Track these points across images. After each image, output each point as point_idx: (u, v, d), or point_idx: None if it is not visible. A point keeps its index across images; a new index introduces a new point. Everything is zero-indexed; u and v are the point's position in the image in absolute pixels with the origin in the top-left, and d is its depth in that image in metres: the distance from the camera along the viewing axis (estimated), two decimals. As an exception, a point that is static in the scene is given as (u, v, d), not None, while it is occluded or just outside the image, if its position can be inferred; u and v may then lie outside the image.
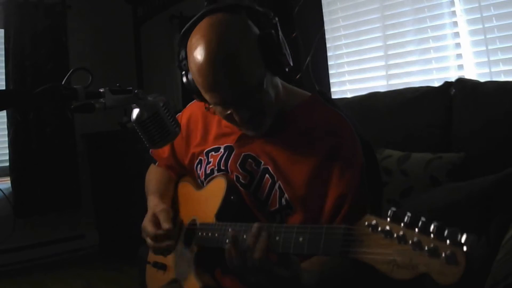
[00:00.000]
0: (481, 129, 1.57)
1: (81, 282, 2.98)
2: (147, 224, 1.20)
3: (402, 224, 0.70)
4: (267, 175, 1.11)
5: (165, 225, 1.16)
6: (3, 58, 3.29)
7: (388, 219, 0.72)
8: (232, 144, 1.17)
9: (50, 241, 3.43)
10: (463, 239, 0.64)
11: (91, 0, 3.67)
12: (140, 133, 1.02)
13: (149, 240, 1.19)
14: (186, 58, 1.05)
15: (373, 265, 0.72)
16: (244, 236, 0.95)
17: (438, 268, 0.65)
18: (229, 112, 1.03)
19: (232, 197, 1.12)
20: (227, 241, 0.96)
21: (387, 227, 0.71)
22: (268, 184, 1.10)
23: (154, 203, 1.27)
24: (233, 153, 1.17)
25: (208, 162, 1.22)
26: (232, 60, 0.97)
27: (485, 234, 1.17)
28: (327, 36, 2.50)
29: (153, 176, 1.41)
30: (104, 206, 3.57)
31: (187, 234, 1.22)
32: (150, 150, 1.40)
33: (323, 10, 2.51)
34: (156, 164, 1.43)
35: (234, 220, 1.05)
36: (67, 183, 3.47)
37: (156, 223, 1.19)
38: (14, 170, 3.29)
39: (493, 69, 1.93)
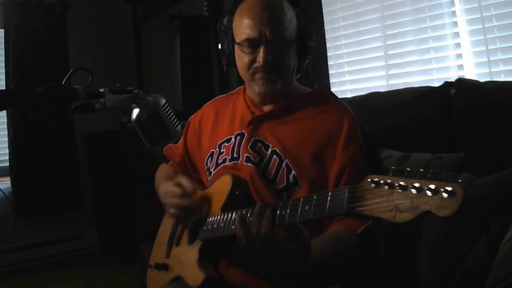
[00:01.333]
0: (481, 129, 1.57)
1: (81, 282, 2.98)
2: (171, 188, 1.23)
3: (403, 176, 0.74)
4: (274, 156, 1.20)
5: (190, 184, 1.21)
6: (3, 58, 3.29)
7: (390, 174, 0.76)
8: (243, 130, 1.26)
9: (50, 241, 3.43)
10: (459, 178, 0.68)
11: (91, 0, 3.67)
12: (140, 133, 1.02)
13: (175, 200, 1.21)
14: (229, 20, 1.25)
15: (377, 215, 0.75)
16: (251, 218, 0.99)
17: (438, 203, 0.68)
18: (257, 53, 1.17)
19: (237, 192, 1.17)
20: (232, 227, 1.02)
21: (389, 180, 0.75)
22: (276, 164, 1.19)
23: (166, 183, 1.29)
24: (244, 138, 1.24)
25: (221, 153, 1.29)
26: (279, 10, 1.18)
27: (485, 234, 1.17)
28: (327, 36, 2.50)
29: (163, 171, 1.47)
30: (104, 206, 3.57)
31: (191, 232, 1.23)
32: (164, 148, 1.48)
33: (323, 10, 2.51)
34: (169, 163, 1.51)
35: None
36: (67, 183, 3.47)
37: (181, 185, 1.22)
38: (14, 170, 3.29)
39: (493, 69, 1.93)
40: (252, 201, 1.16)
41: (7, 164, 3.33)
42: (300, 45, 1.22)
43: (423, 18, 2.16)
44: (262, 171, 1.19)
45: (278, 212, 0.94)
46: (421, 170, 0.73)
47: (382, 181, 0.76)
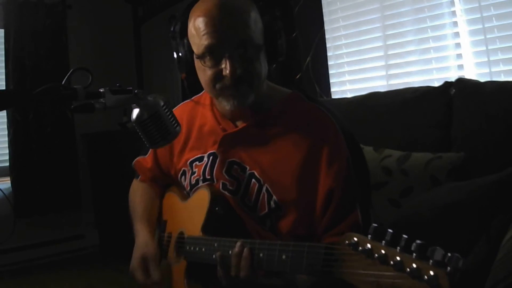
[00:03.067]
0: (481, 129, 1.57)
1: (81, 282, 2.98)
2: (136, 269, 1.18)
3: (383, 242, 0.68)
4: (253, 180, 1.09)
5: (155, 274, 1.15)
6: (3, 58, 3.28)
7: (369, 236, 0.70)
8: (215, 151, 1.15)
9: (50, 241, 3.43)
10: (446, 259, 0.61)
11: (91, 0, 3.67)
12: (140, 133, 1.02)
13: (139, 282, 1.18)
14: (182, 27, 1.07)
15: (356, 285, 0.70)
16: (230, 253, 0.95)
17: None
18: (221, 65, 1.01)
19: (216, 208, 1.10)
20: (214, 256, 0.98)
21: (368, 246, 0.69)
22: (256, 189, 1.09)
23: (143, 239, 1.23)
24: (218, 160, 1.14)
25: (193, 173, 1.20)
26: (241, 10, 1.01)
27: (485, 234, 1.17)
28: (327, 36, 2.50)
29: (138, 197, 1.37)
30: (104, 206, 3.56)
31: (177, 246, 1.20)
32: (133, 162, 1.40)
33: (323, 10, 2.51)
34: (139, 178, 1.40)
35: (221, 231, 1.05)
36: (67, 183, 3.46)
37: (146, 269, 1.17)
38: (14, 170, 3.29)
39: (493, 69, 1.93)
40: (235, 215, 1.11)
41: (7, 164, 3.32)
42: (270, 47, 1.06)
43: (423, 18, 2.16)
44: (241, 198, 1.10)
45: (255, 253, 0.91)
46: (405, 237, 0.66)
47: (360, 247, 0.70)
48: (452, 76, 2.02)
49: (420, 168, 1.57)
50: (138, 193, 1.38)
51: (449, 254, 0.61)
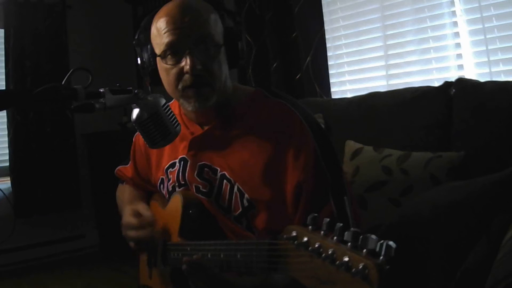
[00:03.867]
0: (481, 129, 1.57)
1: (81, 282, 2.97)
2: (128, 219, 1.20)
3: (322, 233, 0.66)
4: (225, 181, 1.10)
5: (147, 213, 1.17)
6: (3, 58, 3.28)
7: (310, 228, 0.68)
8: (185, 155, 1.16)
9: (50, 241, 3.43)
10: (377, 247, 0.58)
11: (91, 0, 3.67)
12: (140, 133, 1.02)
13: (133, 233, 1.18)
14: (145, 34, 1.09)
15: (299, 280, 0.68)
16: (209, 255, 0.95)
17: (353, 285, 0.58)
18: (182, 63, 1.03)
19: (190, 211, 1.11)
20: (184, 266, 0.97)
21: (305, 239, 0.67)
22: (228, 189, 1.10)
23: (129, 205, 1.27)
24: (188, 164, 1.16)
25: (169, 179, 1.22)
26: (201, 10, 1.04)
27: (486, 234, 1.17)
28: (327, 36, 2.50)
29: (125, 192, 1.43)
30: (104, 206, 3.56)
31: (162, 254, 1.21)
32: (115, 171, 1.46)
33: (323, 10, 2.51)
34: (124, 183, 1.47)
35: (198, 233, 1.06)
36: (67, 183, 3.46)
37: (138, 214, 1.19)
38: (14, 170, 3.29)
39: (493, 69, 1.93)
40: (209, 216, 1.12)
41: (7, 164, 3.32)
42: (230, 49, 1.08)
43: (423, 18, 2.16)
44: (215, 200, 1.12)
45: (217, 254, 0.92)
46: (339, 225, 0.63)
47: (297, 241, 0.68)
48: (452, 76, 2.03)
49: (420, 167, 1.57)
50: (123, 190, 1.45)
51: (381, 242, 0.58)
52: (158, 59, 1.07)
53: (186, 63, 1.02)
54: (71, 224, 3.55)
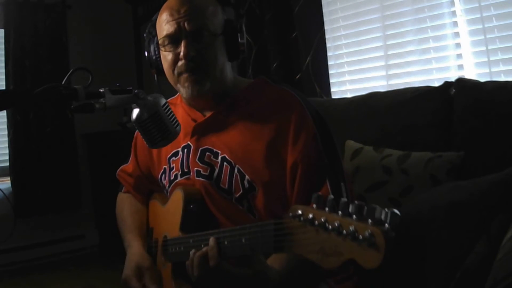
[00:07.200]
0: (481, 128, 1.57)
1: (81, 282, 2.97)
2: (131, 278, 1.19)
3: (326, 209, 0.68)
4: (225, 163, 1.13)
5: (152, 286, 1.16)
6: (3, 58, 3.28)
7: (314, 206, 0.70)
8: (188, 142, 1.19)
9: (50, 241, 3.43)
10: (382, 216, 0.60)
11: (91, 0, 3.67)
12: (140, 133, 1.02)
13: None
14: (152, 29, 1.18)
15: (306, 256, 0.69)
16: (202, 246, 0.95)
17: (360, 253, 0.60)
18: (178, 49, 1.10)
19: (191, 206, 1.13)
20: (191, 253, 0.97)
21: (310, 215, 0.69)
22: (228, 171, 1.12)
23: (138, 250, 1.26)
24: (191, 149, 1.18)
25: (171, 168, 1.23)
26: (198, 2, 1.12)
27: (486, 234, 1.17)
28: (327, 36, 2.50)
29: (126, 210, 1.44)
30: (104, 206, 3.56)
31: (163, 251, 1.22)
32: (117, 173, 1.49)
33: (323, 10, 2.51)
34: (123, 189, 1.48)
35: (200, 227, 1.06)
36: (67, 183, 3.46)
37: (140, 278, 1.18)
38: (14, 170, 3.29)
39: (493, 69, 1.93)
40: (209, 212, 1.14)
41: (7, 164, 3.33)
42: (228, 40, 1.14)
43: (423, 18, 2.16)
44: (215, 183, 1.13)
45: (221, 242, 0.92)
46: (344, 200, 0.66)
47: (303, 217, 0.70)
48: (452, 76, 2.03)
49: (420, 167, 1.57)
50: (125, 206, 1.46)
51: (386, 210, 0.60)
52: (160, 47, 1.15)
53: (181, 49, 1.09)
54: (71, 224, 3.55)
